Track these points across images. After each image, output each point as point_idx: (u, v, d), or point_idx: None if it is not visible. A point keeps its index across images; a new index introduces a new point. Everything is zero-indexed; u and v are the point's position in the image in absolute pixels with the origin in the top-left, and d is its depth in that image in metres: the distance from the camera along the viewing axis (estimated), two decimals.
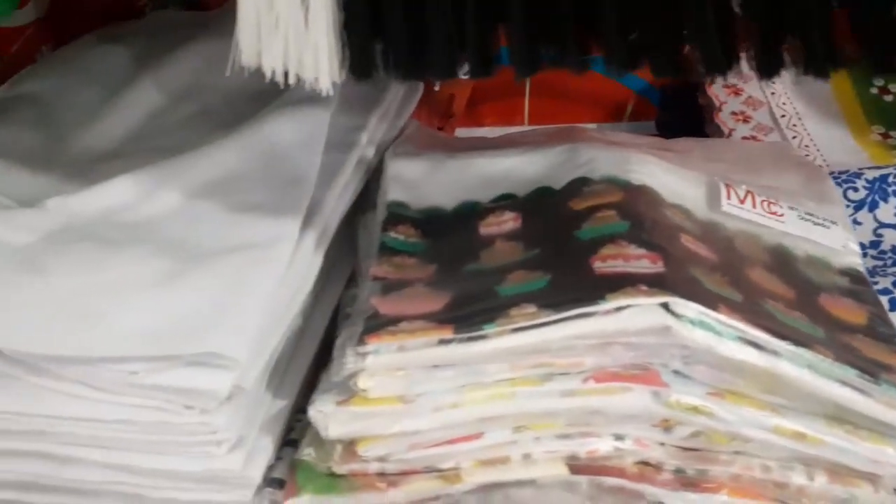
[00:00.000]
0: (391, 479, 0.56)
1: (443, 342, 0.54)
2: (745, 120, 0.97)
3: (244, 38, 0.53)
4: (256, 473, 0.56)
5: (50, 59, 0.83)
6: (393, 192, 0.70)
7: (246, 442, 0.56)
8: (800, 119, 0.96)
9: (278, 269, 0.58)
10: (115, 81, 0.78)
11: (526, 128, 1.12)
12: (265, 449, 0.57)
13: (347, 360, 0.54)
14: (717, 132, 0.97)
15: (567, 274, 0.56)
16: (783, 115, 0.98)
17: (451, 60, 0.51)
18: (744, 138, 0.94)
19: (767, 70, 0.55)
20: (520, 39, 0.53)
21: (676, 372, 0.54)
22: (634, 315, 0.52)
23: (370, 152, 0.74)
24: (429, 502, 0.55)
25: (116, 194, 0.63)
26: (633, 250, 0.56)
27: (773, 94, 1.01)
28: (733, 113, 0.99)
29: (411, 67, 0.52)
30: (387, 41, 0.52)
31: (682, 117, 1.05)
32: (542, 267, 0.58)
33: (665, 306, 0.52)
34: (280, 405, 0.60)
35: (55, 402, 0.55)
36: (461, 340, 0.53)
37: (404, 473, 0.56)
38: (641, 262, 0.55)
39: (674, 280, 0.54)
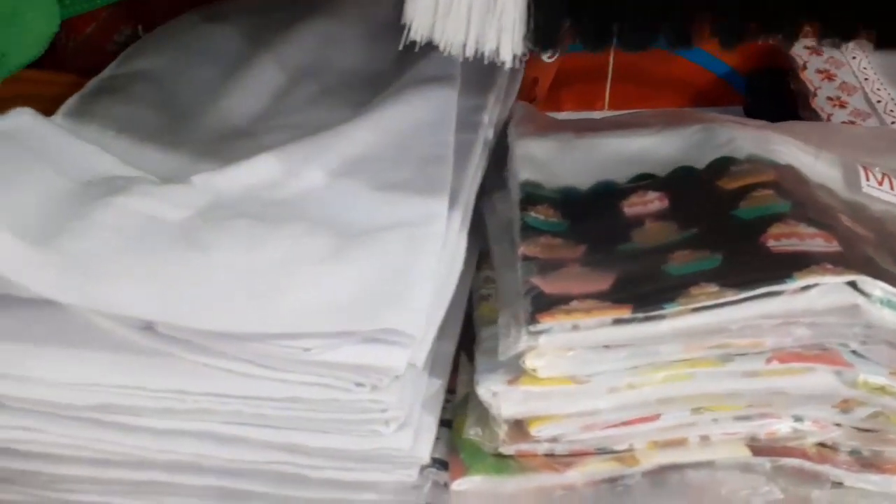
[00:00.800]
0: (562, 460, 0.55)
1: (618, 322, 0.53)
2: (842, 105, 0.97)
3: (418, 11, 0.52)
4: (424, 452, 0.55)
5: (155, 37, 0.82)
6: (524, 171, 0.69)
7: (412, 420, 0.55)
8: None
9: (436, 246, 0.58)
10: (230, 60, 0.76)
11: (607, 113, 1.11)
12: (429, 428, 0.56)
13: (520, 338, 0.53)
14: (814, 118, 0.96)
15: (740, 253, 0.55)
16: (879, 101, 0.97)
17: (647, 32, 0.50)
18: (842, 123, 0.93)
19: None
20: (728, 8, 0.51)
21: (855, 352, 0.53)
22: (822, 294, 0.51)
23: (490, 133, 0.73)
24: (600, 484, 0.54)
25: (261, 172, 0.62)
26: (804, 229, 0.56)
27: (866, 79, 1.00)
28: (829, 98, 0.98)
29: (602, 39, 0.51)
30: (578, 13, 0.51)
31: (773, 103, 1.04)
32: (709, 246, 0.57)
33: (853, 285, 0.51)
34: (436, 384, 0.59)
35: (220, 381, 0.54)
36: (639, 320, 0.52)
37: (575, 455, 0.55)
38: (816, 240, 0.55)
39: (853, 259, 0.53)
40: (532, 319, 0.53)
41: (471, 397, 0.58)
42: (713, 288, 0.52)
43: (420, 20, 0.53)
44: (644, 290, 0.54)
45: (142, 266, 0.54)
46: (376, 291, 0.53)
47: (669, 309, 0.52)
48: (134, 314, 0.52)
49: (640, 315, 0.52)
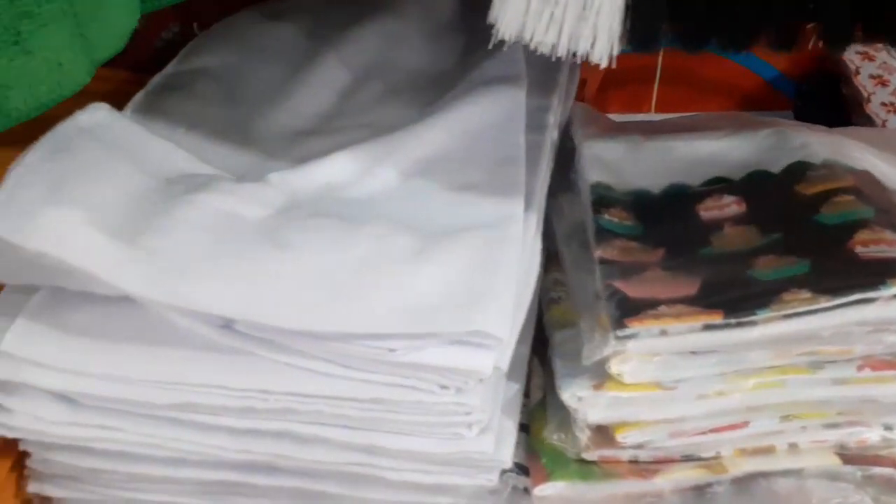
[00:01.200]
0: (647, 466, 0.54)
1: (709, 327, 0.52)
2: None
3: (507, 11, 0.52)
4: (506, 456, 0.54)
5: (215, 35, 0.81)
6: (593, 173, 0.68)
7: (493, 424, 0.54)
8: None
9: (516, 249, 0.57)
10: (293, 58, 0.76)
11: (654, 115, 1.10)
12: (509, 432, 0.56)
13: (606, 343, 0.53)
14: (868, 123, 0.95)
15: (828, 259, 0.55)
16: None
17: (749, 33, 0.50)
18: None
19: None
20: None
21: None
22: None
23: (556, 134, 0.73)
24: (687, 491, 0.54)
25: (336, 171, 0.62)
26: (890, 235, 0.55)
27: None
28: (883, 104, 0.97)
29: (701, 40, 0.50)
30: (678, 14, 0.50)
31: (823, 108, 1.03)
32: (794, 252, 0.56)
33: None
34: (514, 388, 0.58)
35: (302, 380, 0.53)
36: (730, 326, 0.52)
37: (659, 461, 0.54)
38: None
39: None
40: (619, 324, 0.52)
41: (549, 401, 0.57)
42: (806, 294, 0.51)
43: (509, 19, 0.52)
44: (734, 296, 0.53)
45: (228, 264, 0.53)
46: (461, 293, 0.53)
47: (762, 315, 0.51)
48: (220, 312, 0.52)
49: (733, 321, 0.51)
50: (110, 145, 0.57)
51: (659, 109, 1.13)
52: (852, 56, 1.01)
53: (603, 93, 1.11)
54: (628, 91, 1.11)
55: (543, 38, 0.51)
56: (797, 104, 1.06)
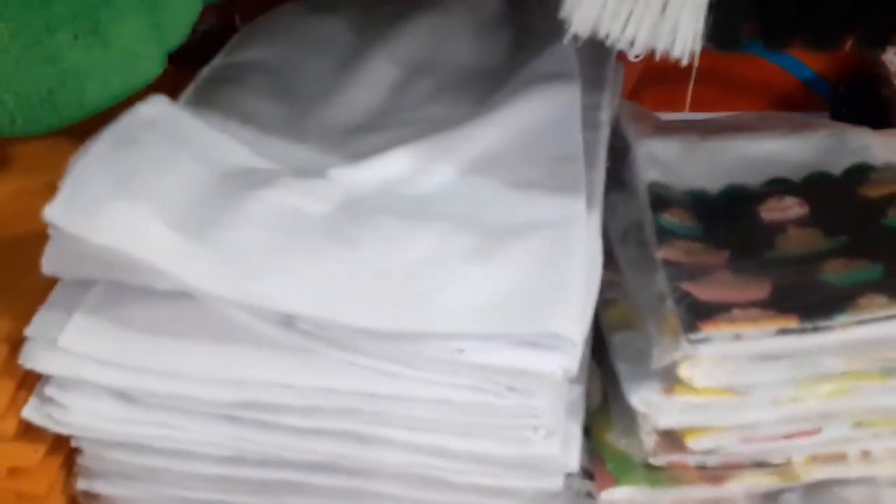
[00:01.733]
0: (716, 472, 0.53)
1: (783, 332, 0.51)
2: None
3: (582, 6, 0.51)
4: (573, 460, 0.53)
5: (261, 28, 0.80)
6: (649, 172, 0.67)
7: (559, 427, 0.53)
8: None
9: (582, 248, 0.56)
10: (342, 53, 0.75)
11: (688, 114, 1.09)
12: (574, 435, 0.55)
13: (677, 347, 0.52)
14: None
15: None
16: None
17: (838, 31, 0.49)
18: None
19: None
20: None
21: None
22: None
23: (608, 131, 0.72)
24: (757, 498, 0.53)
25: (394, 167, 0.61)
26: None
27: None
28: None
29: (788, 39, 0.50)
30: (765, 12, 0.49)
31: (861, 110, 1.02)
32: (865, 255, 0.56)
33: None
34: (576, 391, 0.57)
35: (368, 380, 0.52)
36: (806, 330, 0.51)
37: (728, 467, 0.54)
38: None
39: None
40: (691, 327, 0.51)
41: (613, 405, 0.57)
42: (882, 299, 0.51)
43: (584, 15, 0.51)
44: (808, 300, 0.52)
45: (294, 260, 0.52)
46: (532, 294, 0.52)
47: (839, 320, 0.50)
48: (286, 309, 0.51)
49: (809, 325, 0.51)
50: (173, 138, 0.56)
51: (693, 109, 1.12)
52: (892, 57, 1.00)
53: (637, 92, 1.09)
54: (663, 90, 1.10)
55: (621, 34, 0.50)
56: (834, 106, 1.05)
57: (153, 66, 0.47)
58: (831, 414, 0.52)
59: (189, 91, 0.67)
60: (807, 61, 1.08)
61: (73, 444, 0.58)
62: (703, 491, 0.52)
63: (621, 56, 0.95)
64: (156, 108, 0.57)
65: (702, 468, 0.54)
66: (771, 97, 1.09)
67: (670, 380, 0.52)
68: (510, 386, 0.51)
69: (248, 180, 0.57)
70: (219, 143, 0.59)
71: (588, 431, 0.58)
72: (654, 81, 1.09)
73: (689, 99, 1.11)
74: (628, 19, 0.50)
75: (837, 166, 0.64)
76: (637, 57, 1.01)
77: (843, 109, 1.04)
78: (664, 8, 0.49)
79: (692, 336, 0.51)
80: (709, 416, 0.52)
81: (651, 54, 0.51)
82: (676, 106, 1.10)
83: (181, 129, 0.58)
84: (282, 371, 0.52)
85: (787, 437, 0.52)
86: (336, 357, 0.53)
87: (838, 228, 0.59)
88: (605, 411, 0.57)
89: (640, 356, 0.56)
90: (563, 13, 0.52)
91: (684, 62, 0.50)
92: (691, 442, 0.52)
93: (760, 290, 0.54)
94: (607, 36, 0.51)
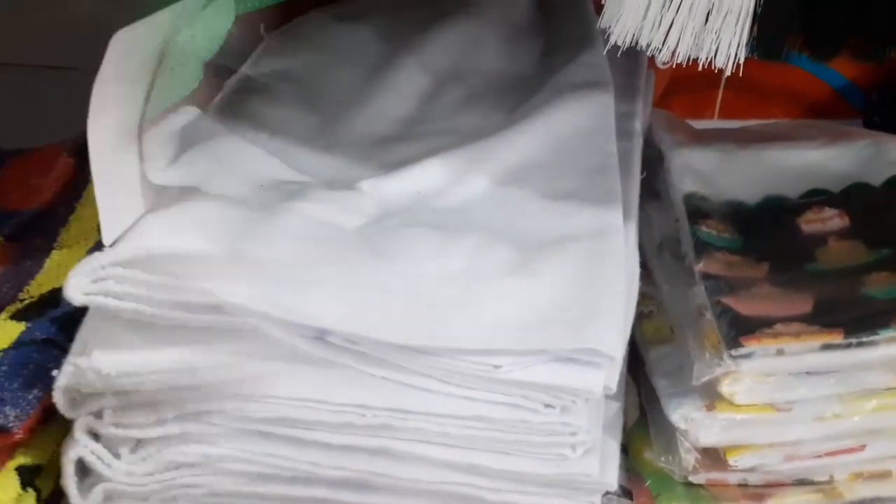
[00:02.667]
0: (757, 490, 0.52)
1: (828, 347, 0.50)
2: None
3: (623, 14, 0.50)
4: (612, 478, 0.52)
5: (286, 37, 0.79)
6: (685, 183, 0.66)
7: (597, 445, 0.52)
8: None
9: (620, 261, 0.55)
10: (370, 62, 0.74)
11: (717, 122, 1.08)
12: (613, 453, 0.53)
13: (720, 363, 0.51)
14: None
15: None
16: None
17: (887, 43, 0.48)
18: None
19: None
20: None
21: None
22: None
23: (641, 141, 0.71)
24: None
25: (427, 178, 0.60)
26: None
27: None
28: None
29: (834, 49, 0.48)
30: (810, 22, 0.48)
31: (894, 119, 1.01)
32: None
33: None
34: (614, 407, 0.56)
35: (402, 396, 0.51)
36: (851, 346, 0.50)
37: (770, 485, 0.52)
38: None
39: None
40: (734, 343, 0.50)
41: (652, 421, 0.55)
42: None
43: (625, 24, 0.50)
44: (853, 315, 0.51)
45: (327, 274, 0.51)
46: (571, 308, 0.51)
47: (884, 335, 0.49)
48: (320, 324, 0.50)
49: (854, 340, 0.49)
50: (204, 151, 0.55)
51: (722, 116, 1.11)
52: None
53: (666, 98, 1.08)
54: (692, 97, 1.09)
55: (662, 44, 0.49)
56: (866, 113, 1.04)
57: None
58: (875, 430, 0.51)
59: (217, 101, 0.66)
60: (838, 68, 1.07)
61: None
62: None
63: (650, 62, 0.95)
64: (186, 118, 0.57)
65: (743, 486, 0.52)
66: (802, 104, 1.08)
67: (711, 396, 0.51)
68: (547, 402, 0.50)
69: (281, 192, 0.56)
70: (251, 155, 0.58)
71: (625, 449, 0.57)
72: (682, 88, 1.08)
73: (718, 106, 1.10)
74: (670, 29, 0.49)
75: (877, 177, 0.63)
76: (665, 64, 1.00)
77: (875, 117, 1.03)
78: (707, 17, 0.48)
79: (734, 352, 0.50)
80: (751, 433, 0.51)
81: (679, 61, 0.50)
82: (705, 113, 1.09)
83: (213, 142, 0.57)
84: (314, 387, 0.51)
85: (831, 454, 0.51)
86: (369, 372, 0.52)
87: (880, 241, 0.58)
88: (642, 428, 0.56)
89: (679, 371, 0.55)
90: (604, 22, 0.51)
91: (728, 72, 0.49)
92: (733, 459, 0.51)
93: (803, 304, 0.53)
94: (648, 45, 0.50)
